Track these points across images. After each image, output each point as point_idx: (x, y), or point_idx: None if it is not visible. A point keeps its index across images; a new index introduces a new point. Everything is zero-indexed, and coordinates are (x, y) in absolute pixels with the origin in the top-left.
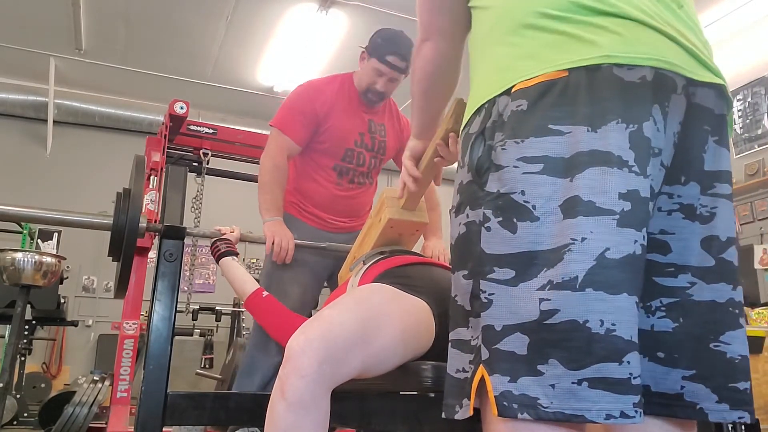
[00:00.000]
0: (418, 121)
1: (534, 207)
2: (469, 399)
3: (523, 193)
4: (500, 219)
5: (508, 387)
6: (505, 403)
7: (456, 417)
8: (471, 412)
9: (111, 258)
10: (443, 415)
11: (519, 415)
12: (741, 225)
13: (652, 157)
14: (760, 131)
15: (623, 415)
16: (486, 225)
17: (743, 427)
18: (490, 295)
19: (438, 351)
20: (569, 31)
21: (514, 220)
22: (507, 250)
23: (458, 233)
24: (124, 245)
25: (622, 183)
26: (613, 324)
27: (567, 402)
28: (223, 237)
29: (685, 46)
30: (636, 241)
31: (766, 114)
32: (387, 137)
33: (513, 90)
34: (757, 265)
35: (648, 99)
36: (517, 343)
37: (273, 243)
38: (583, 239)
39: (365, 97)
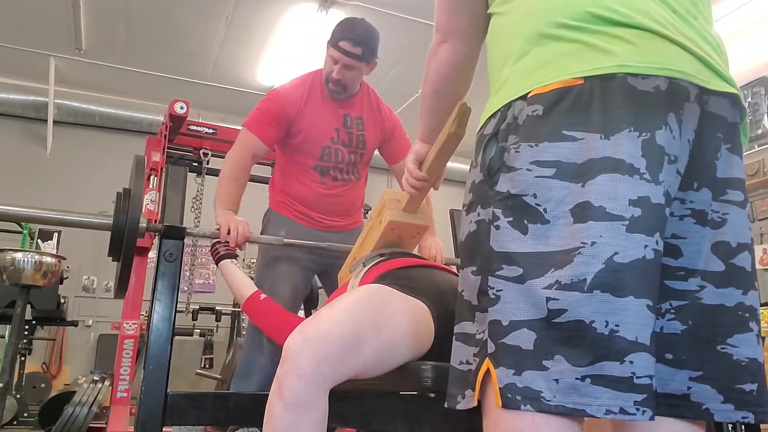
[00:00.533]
0: (425, 123)
1: (545, 210)
2: (472, 390)
3: (535, 195)
4: (510, 219)
5: (513, 380)
6: (509, 394)
7: (458, 407)
8: (475, 403)
9: (111, 258)
10: (446, 405)
11: (522, 407)
12: None
13: (668, 164)
14: (760, 131)
15: (622, 411)
16: (495, 224)
17: (743, 427)
18: (498, 291)
19: (437, 352)
20: (586, 41)
21: (525, 221)
22: (516, 249)
23: (469, 231)
24: (124, 245)
25: (632, 190)
26: (617, 325)
27: (569, 397)
28: (222, 240)
29: (699, 55)
30: (646, 246)
31: (766, 114)
32: (366, 130)
33: (529, 95)
34: (757, 265)
35: (662, 108)
36: (523, 339)
37: (229, 230)
38: (593, 243)
39: (328, 89)
